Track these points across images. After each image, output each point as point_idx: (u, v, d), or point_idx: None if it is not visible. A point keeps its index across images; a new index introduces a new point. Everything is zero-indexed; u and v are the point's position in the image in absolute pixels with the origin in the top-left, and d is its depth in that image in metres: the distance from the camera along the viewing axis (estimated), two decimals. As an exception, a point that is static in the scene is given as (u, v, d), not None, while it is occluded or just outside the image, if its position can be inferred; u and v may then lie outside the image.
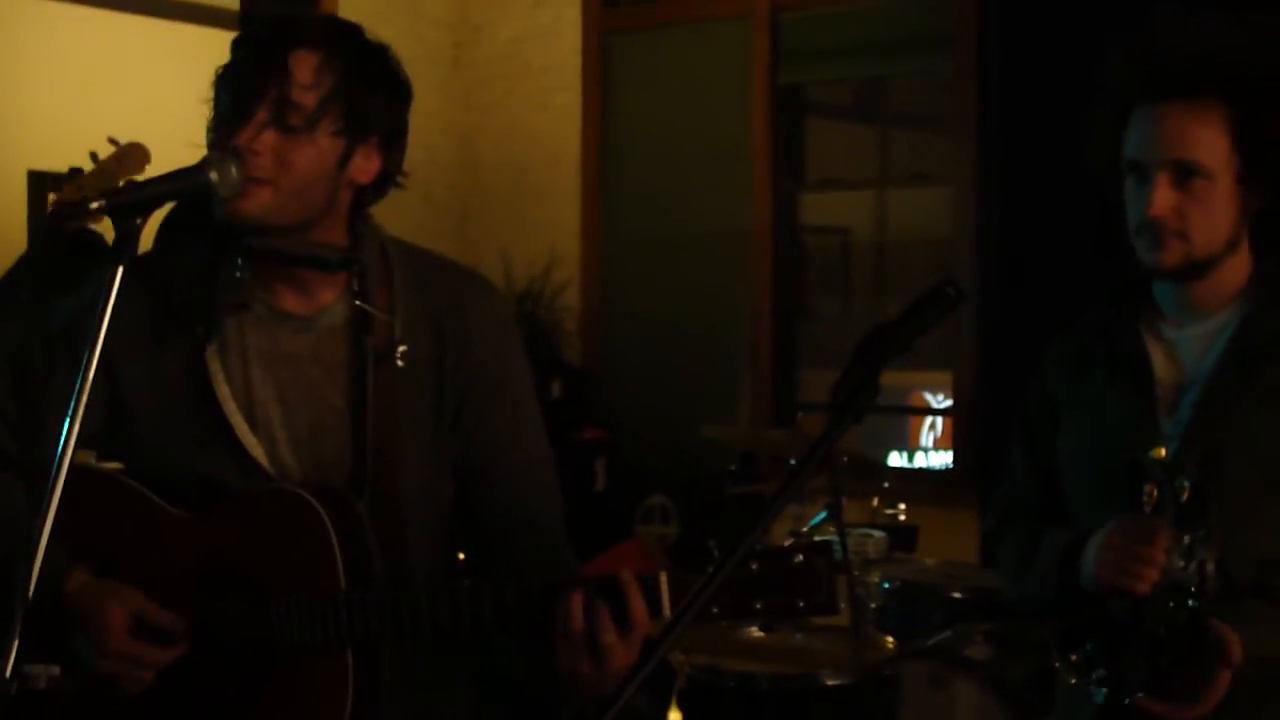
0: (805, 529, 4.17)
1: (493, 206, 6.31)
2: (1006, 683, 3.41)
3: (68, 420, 1.72)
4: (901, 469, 6.11)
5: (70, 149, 4.88)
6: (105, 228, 1.89)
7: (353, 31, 2.13)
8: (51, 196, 4.70)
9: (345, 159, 2.08)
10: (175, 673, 2.08)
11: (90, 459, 2.24)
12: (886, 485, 4.60)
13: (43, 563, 1.79)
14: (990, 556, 2.69)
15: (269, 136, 2.02)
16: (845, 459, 4.35)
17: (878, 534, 4.36)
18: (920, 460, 6.44)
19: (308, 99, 2.02)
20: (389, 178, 2.16)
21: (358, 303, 2.13)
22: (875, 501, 4.58)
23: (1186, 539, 2.22)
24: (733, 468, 4.92)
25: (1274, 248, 2.37)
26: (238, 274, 2.12)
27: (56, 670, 1.97)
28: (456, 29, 6.49)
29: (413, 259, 2.22)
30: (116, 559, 2.12)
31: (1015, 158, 4.87)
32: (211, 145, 2.08)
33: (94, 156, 3.89)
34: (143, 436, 2.16)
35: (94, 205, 1.80)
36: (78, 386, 1.71)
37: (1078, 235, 2.48)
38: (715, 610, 1.85)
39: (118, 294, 1.89)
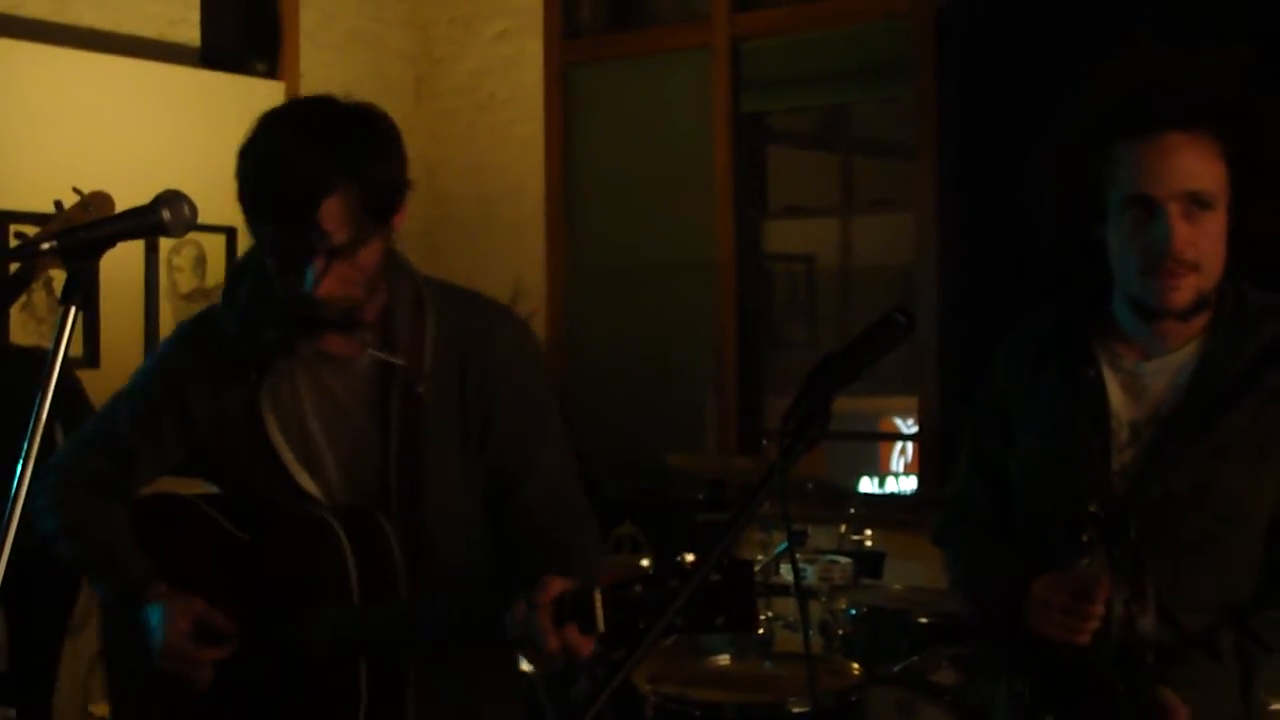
0: (769, 557, 4.18)
1: (457, 238, 6.32)
2: (973, 708, 3.41)
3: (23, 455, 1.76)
4: (868, 495, 6.11)
5: (33, 187, 4.89)
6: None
7: (347, 138, 2.29)
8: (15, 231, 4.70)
9: (388, 237, 2.33)
10: (231, 671, 2.43)
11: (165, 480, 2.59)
12: (853, 511, 4.61)
13: (129, 574, 2.46)
14: (943, 552, 2.69)
15: (332, 271, 2.24)
16: (810, 486, 4.37)
17: (844, 560, 4.36)
18: (891, 485, 6.45)
19: (345, 235, 2.23)
20: None
21: (370, 351, 2.39)
22: (843, 528, 4.59)
23: (1124, 599, 2.23)
24: (701, 496, 4.93)
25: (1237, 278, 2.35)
26: (265, 336, 2.38)
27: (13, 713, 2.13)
28: (419, 62, 6.51)
29: (443, 295, 2.47)
30: (190, 573, 2.48)
31: (974, 184, 4.90)
32: (281, 270, 2.30)
33: (59, 205, 3.90)
34: (215, 467, 2.50)
35: (45, 246, 1.81)
36: (30, 430, 1.73)
37: (1038, 259, 2.47)
38: (642, 627, 1.88)
39: (190, 339, 2.48)
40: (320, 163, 2.24)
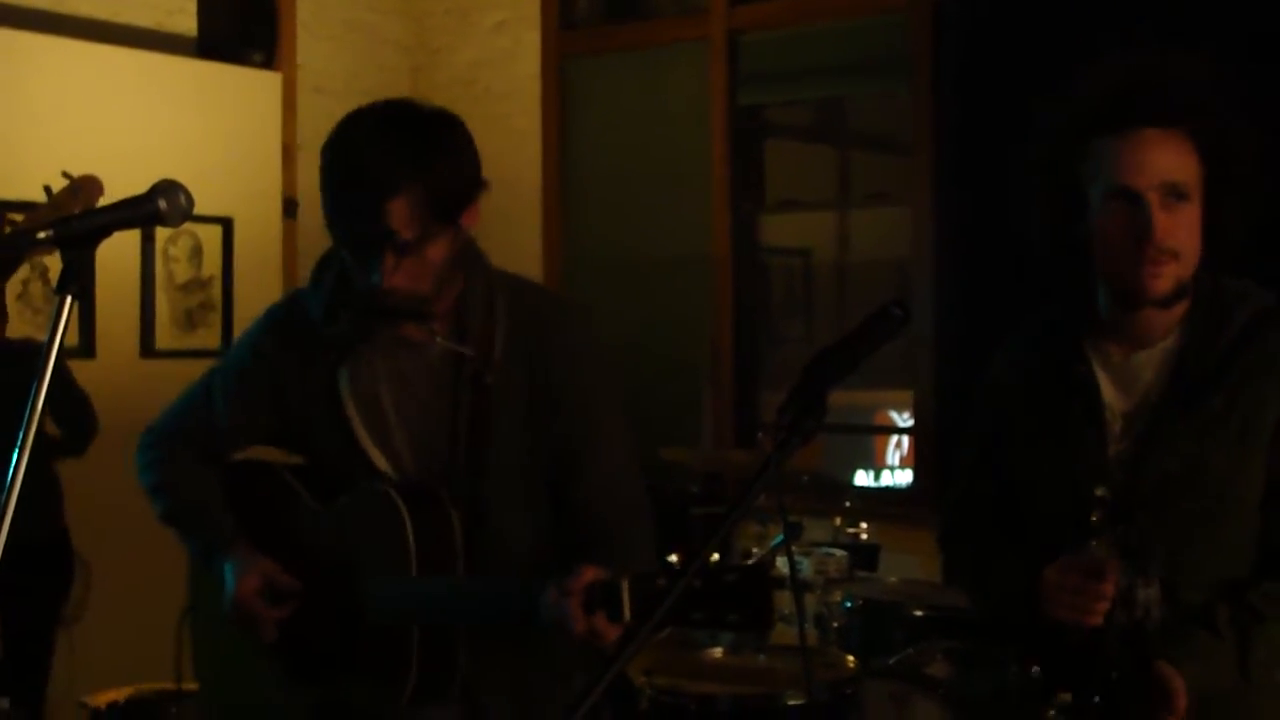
0: (765, 550, 4.18)
1: (454, 231, 6.29)
2: (967, 701, 3.42)
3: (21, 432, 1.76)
4: (863, 488, 6.12)
5: (29, 176, 4.87)
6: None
7: (414, 133, 2.41)
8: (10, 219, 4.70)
9: (457, 233, 2.45)
10: (296, 630, 2.63)
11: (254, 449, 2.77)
12: (848, 504, 4.61)
13: (213, 531, 2.69)
14: (948, 564, 2.74)
15: (401, 268, 2.38)
16: (805, 479, 4.37)
17: (839, 553, 4.36)
18: (887, 479, 6.46)
19: (413, 230, 2.36)
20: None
21: (439, 339, 2.51)
22: (838, 521, 4.59)
23: (1135, 579, 2.31)
24: (696, 489, 4.92)
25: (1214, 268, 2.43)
26: (341, 322, 2.54)
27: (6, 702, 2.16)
28: (415, 54, 6.51)
29: (515, 289, 2.61)
30: (269, 535, 2.68)
31: (971, 178, 4.90)
32: (356, 261, 2.44)
33: (48, 190, 3.89)
34: (298, 440, 2.68)
35: (41, 235, 1.80)
36: (26, 416, 1.73)
37: (1032, 256, 2.51)
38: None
39: (280, 320, 2.65)
40: (388, 164, 2.36)
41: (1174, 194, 2.32)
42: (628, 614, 2.17)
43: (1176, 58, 2.38)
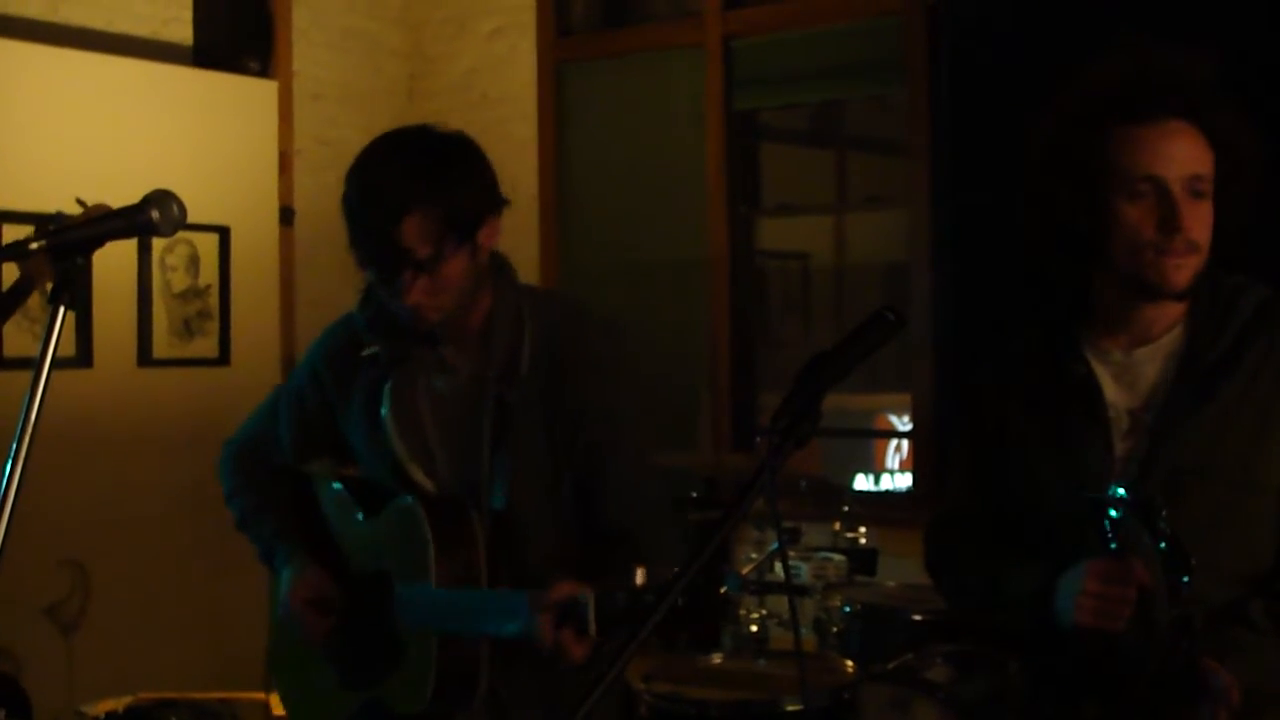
0: (762, 555, 4.18)
1: (451, 237, 6.29)
2: (967, 704, 3.41)
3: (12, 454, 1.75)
4: (863, 492, 6.12)
5: (25, 187, 4.88)
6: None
7: (429, 154, 2.54)
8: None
9: (475, 251, 2.55)
10: (343, 634, 2.76)
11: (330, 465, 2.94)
12: (847, 509, 4.60)
13: (271, 536, 2.85)
14: (937, 580, 2.70)
15: (419, 285, 2.49)
16: (804, 483, 4.36)
17: (838, 558, 4.36)
18: (886, 482, 6.46)
19: (427, 250, 2.47)
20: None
21: (453, 361, 2.65)
22: (836, 525, 4.59)
23: (1171, 581, 2.18)
24: (694, 493, 4.92)
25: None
26: (367, 346, 2.71)
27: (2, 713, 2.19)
28: (412, 61, 6.51)
29: (543, 304, 2.72)
30: (325, 545, 2.83)
31: (968, 180, 4.90)
32: (374, 283, 2.62)
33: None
34: (354, 452, 2.80)
35: (34, 246, 1.80)
36: (21, 426, 1.73)
37: (1030, 246, 2.50)
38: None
39: (333, 341, 2.81)
40: (400, 183, 2.49)
41: (1197, 187, 2.31)
42: (593, 629, 2.23)
43: (1190, 52, 2.37)
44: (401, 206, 2.47)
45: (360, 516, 2.81)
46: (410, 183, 2.49)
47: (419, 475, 2.70)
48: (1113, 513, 2.26)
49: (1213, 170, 2.33)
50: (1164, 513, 2.25)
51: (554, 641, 2.29)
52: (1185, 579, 2.23)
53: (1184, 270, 2.31)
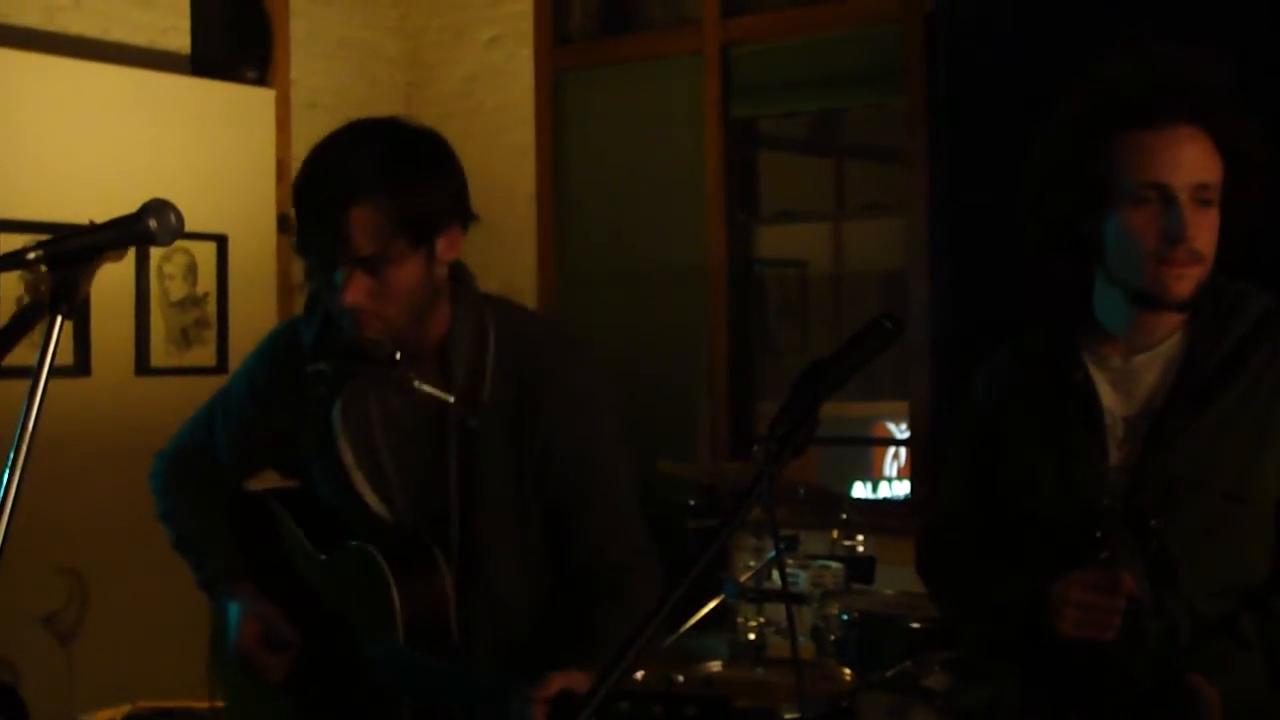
0: (760, 563, 4.17)
1: (449, 245, 6.30)
2: (965, 712, 3.41)
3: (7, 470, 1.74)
4: (860, 500, 6.12)
5: (23, 195, 4.88)
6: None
7: (388, 147, 2.31)
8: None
9: (429, 258, 2.32)
10: (299, 673, 2.56)
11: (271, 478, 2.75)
12: (845, 516, 4.60)
13: (213, 565, 2.62)
14: (929, 587, 2.67)
15: (361, 284, 2.26)
16: (802, 491, 4.36)
17: (836, 565, 4.35)
18: (884, 490, 6.46)
19: (373, 247, 2.24)
20: (467, 226, 2.40)
21: (415, 384, 2.38)
22: (834, 533, 4.58)
23: (1164, 588, 2.22)
24: (692, 501, 4.91)
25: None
26: (312, 367, 2.45)
27: None
28: (410, 69, 6.51)
29: (508, 324, 2.46)
30: (271, 574, 2.61)
31: (966, 189, 4.90)
32: (315, 285, 2.40)
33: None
34: (297, 471, 2.61)
35: (31, 255, 1.80)
36: (19, 432, 1.72)
37: (1026, 265, 2.48)
38: None
39: (273, 348, 2.56)
40: (350, 170, 2.27)
41: (1203, 196, 2.26)
42: None
43: (1198, 57, 2.31)
44: (350, 193, 2.23)
45: (311, 549, 2.58)
46: (364, 170, 2.26)
47: (376, 504, 2.46)
48: (1103, 522, 2.26)
49: (1220, 178, 2.28)
50: (1154, 523, 2.25)
51: None
52: (1172, 591, 2.23)
53: (1186, 281, 2.27)
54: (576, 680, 2.11)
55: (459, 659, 2.37)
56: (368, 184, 2.25)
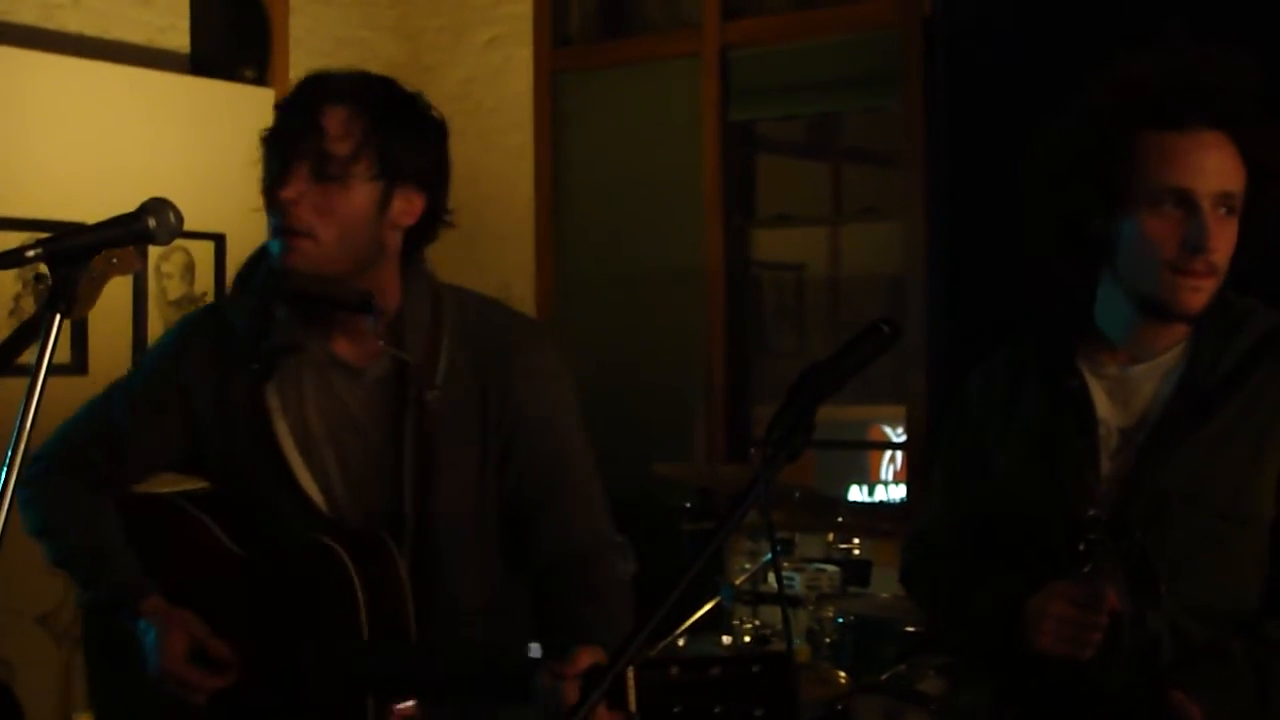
0: (756, 566, 4.18)
1: (446, 246, 6.26)
2: (959, 716, 3.42)
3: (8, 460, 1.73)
4: (856, 503, 6.12)
5: (21, 194, 4.88)
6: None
7: (383, 84, 2.28)
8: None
9: (384, 202, 2.23)
10: (229, 693, 2.30)
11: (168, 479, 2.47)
12: (841, 520, 4.60)
13: (119, 581, 2.30)
14: (913, 593, 2.62)
15: (308, 189, 2.16)
16: (798, 494, 4.37)
17: (831, 569, 4.36)
18: (881, 494, 6.46)
19: (340, 149, 2.17)
20: (436, 218, 2.33)
21: (380, 344, 2.25)
22: (830, 536, 4.59)
23: (1136, 606, 2.15)
24: (688, 504, 4.92)
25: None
26: (276, 314, 2.28)
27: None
28: (408, 70, 6.50)
29: (465, 303, 2.38)
30: (184, 588, 2.33)
31: (963, 193, 4.91)
32: (266, 204, 2.23)
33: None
34: (214, 464, 2.38)
35: (30, 254, 1.80)
36: (14, 436, 1.72)
37: (1026, 267, 2.43)
38: (677, 710, 1.86)
39: (196, 331, 2.36)
40: (349, 79, 2.23)
41: (1226, 205, 2.17)
42: (633, 705, 1.89)
43: (1228, 60, 2.22)
44: (336, 93, 2.19)
45: (239, 551, 2.36)
46: (356, 82, 2.22)
47: (315, 493, 2.30)
48: (1087, 533, 2.20)
49: (1243, 188, 2.19)
50: (1138, 536, 2.17)
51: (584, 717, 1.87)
52: (1154, 606, 2.16)
53: (1201, 293, 2.19)
54: (602, 657, 2.01)
55: (419, 663, 2.22)
56: (355, 93, 2.21)
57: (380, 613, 2.20)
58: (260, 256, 2.34)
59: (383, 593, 2.21)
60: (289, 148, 2.19)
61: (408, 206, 2.27)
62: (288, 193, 2.16)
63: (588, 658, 2.01)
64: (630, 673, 1.90)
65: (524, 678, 2.03)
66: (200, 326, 2.42)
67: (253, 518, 2.35)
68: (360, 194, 2.20)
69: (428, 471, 2.28)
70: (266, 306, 2.31)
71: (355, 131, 2.18)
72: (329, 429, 2.32)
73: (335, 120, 2.18)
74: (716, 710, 1.86)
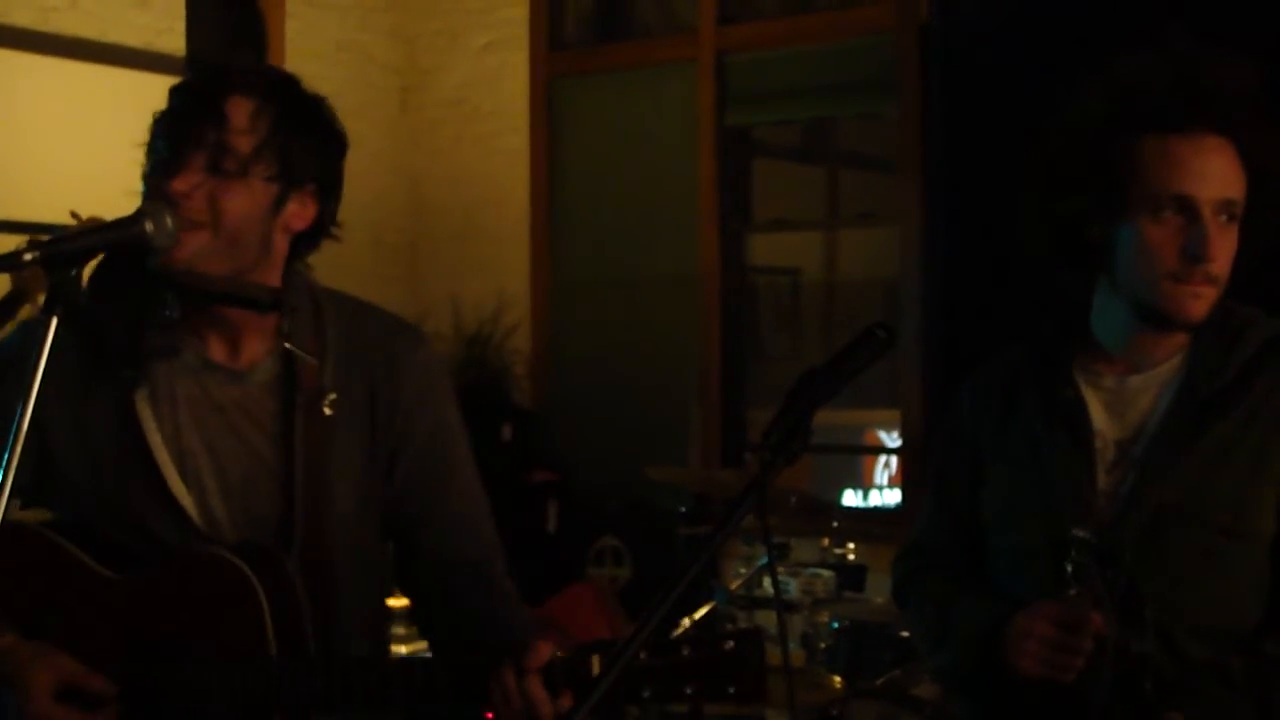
0: (751, 571, 4.18)
1: (442, 250, 6.31)
2: (953, 721, 3.42)
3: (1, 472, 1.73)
4: (851, 508, 6.12)
5: (17, 196, 4.88)
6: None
7: (290, 81, 2.18)
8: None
9: (279, 204, 2.10)
10: None
11: (14, 508, 2.05)
12: (836, 525, 4.60)
13: None
14: (903, 611, 2.56)
15: (203, 181, 2.03)
16: (793, 499, 4.36)
17: (826, 573, 4.36)
18: (875, 498, 6.46)
19: (242, 144, 2.05)
20: (324, 227, 2.19)
21: (287, 345, 2.12)
22: (825, 541, 4.59)
23: (1129, 630, 2.08)
24: (683, 509, 4.92)
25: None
26: (168, 313, 2.11)
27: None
28: (405, 74, 6.51)
29: (345, 308, 2.23)
30: (44, 620, 2.09)
31: (959, 198, 4.92)
32: (147, 190, 2.09)
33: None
34: (70, 485, 2.14)
35: (27, 256, 1.79)
36: (10, 440, 1.72)
37: (1022, 273, 2.40)
38: (646, 694, 1.85)
39: (35, 346, 1.86)
40: (252, 71, 2.12)
41: (1228, 213, 2.11)
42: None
43: (1230, 63, 2.15)
44: (241, 83, 2.06)
45: (108, 573, 2.10)
46: (260, 73, 2.11)
47: (186, 501, 2.11)
48: (1074, 553, 2.13)
49: (1244, 195, 2.12)
50: (1128, 558, 2.09)
51: (553, 710, 1.91)
52: (1139, 633, 2.08)
53: (1202, 302, 2.12)
54: (556, 649, 1.94)
55: (320, 674, 2.05)
56: (262, 87, 2.09)
57: (283, 624, 2.05)
58: (119, 258, 2.14)
59: (284, 603, 2.06)
60: (185, 135, 2.06)
61: (301, 211, 2.14)
62: (179, 184, 2.03)
63: (547, 650, 1.94)
64: (595, 660, 1.90)
65: (477, 678, 1.96)
66: (55, 338, 1.91)
67: (119, 539, 2.13)
68: (256, 193, 2.07)
69: (321, 475, 2.15)
70: (145, 307, 2.14)
71: (260, 127, 2.06)
72: (204, 437, 2.14)
73: (240, 112, 2.06)
74: (688, 690, 1.84)
